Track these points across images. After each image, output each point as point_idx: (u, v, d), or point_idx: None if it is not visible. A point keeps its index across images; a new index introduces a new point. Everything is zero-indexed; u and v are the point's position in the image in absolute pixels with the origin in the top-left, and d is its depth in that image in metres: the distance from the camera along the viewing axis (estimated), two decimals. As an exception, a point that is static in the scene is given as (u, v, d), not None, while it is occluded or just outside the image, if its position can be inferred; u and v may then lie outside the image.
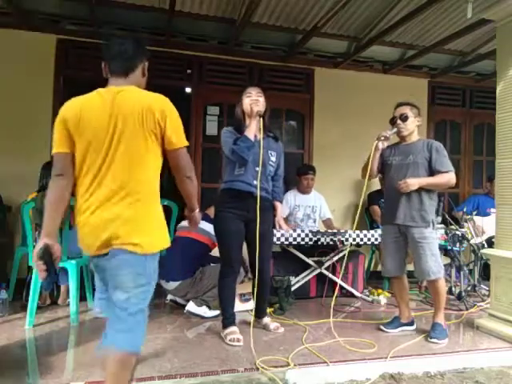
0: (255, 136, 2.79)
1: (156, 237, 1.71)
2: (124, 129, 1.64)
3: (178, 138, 1.72)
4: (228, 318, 2.81)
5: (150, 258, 1.67)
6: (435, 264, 2.82)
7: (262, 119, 2.80)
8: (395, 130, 2.89)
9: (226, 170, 2.88)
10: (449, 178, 2.83)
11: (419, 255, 2.83)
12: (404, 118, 2.90)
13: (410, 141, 2.96)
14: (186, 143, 1.76)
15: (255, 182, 2.74)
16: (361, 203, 2.96)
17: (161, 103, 1.72)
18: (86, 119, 1.67)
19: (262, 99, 2.85)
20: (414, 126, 2.95)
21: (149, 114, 1.65)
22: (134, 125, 1.64)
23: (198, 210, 2.02)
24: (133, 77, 1.77)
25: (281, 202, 3.09)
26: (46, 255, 1.62)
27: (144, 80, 1.85)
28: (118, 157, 1.64)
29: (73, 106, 1.73)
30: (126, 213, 1.63)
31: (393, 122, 2.96)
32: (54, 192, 1.71)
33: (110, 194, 1.63)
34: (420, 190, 2.83)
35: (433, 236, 2.87)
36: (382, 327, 3.00)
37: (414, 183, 2.77)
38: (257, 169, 2.76)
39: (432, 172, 2.85)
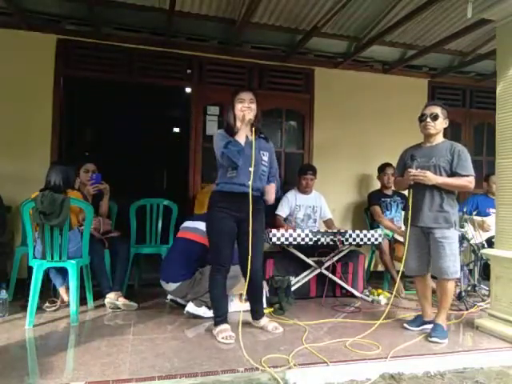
0: (246, 137, 2.81)
1: None
2: None
3: None
4: (220, 317, 2.81)
5: None
6: (454, 264, 2.85)
7: (253, 126, 2.81)
8: (415, 164, 2.90)
9: (218, 172, 2.89)
10: (467, 181, 2.87)
11: (439, 254, 2.86)
12: (434, 117, 2.93)
13: (434, 142, 2.99)
14: None
15: (249, 183, 2.76)
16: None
17: None
18: None
19: (254, 106, 2.85)
20: (441, 127, 2.98)
21: None
22: None
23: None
24: None
25: (273, 183, 2.98)
26: None
27: None
28: None
29: None
30: None
31: (422, 119, 2.98)
32: None
33: None
34: (441, 191, 2.88)
35: (454, 237, 2.90)
36: (405, 325, 3.06)
37: (431, 178, 2.82)
38: (250, 169, 2.77)
39: (452, 175, 2.89)
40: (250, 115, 2.79)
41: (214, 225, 2.83)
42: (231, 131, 2.85)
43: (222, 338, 2.68)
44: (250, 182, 2.73)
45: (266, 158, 2.90)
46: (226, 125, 2.92)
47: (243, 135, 2.80)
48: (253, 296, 3.00)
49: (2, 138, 4.09)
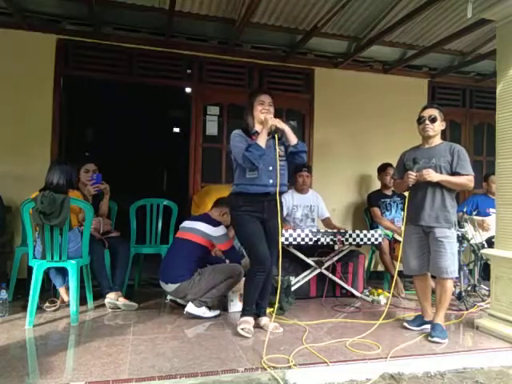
0: (267, 140, 2.84)
1: None
2: None
3: None
4: (248, 310, 2.90)
5: None
6: (453, 263, 2.88)
7: (275, 132, 2.84)
8: (417, 166, 2.95)
9: (235, 173, 2.91)
10: (467, 180, 2.92)
11: (438, 253, 2.88)
12: (433, 120, 2.97)
13: (433, 144, 3.02)
14: None
15: (271, 181, 2.81)
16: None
17: None
18: None
19: (272, 109, 2.91)
20: (439, 129, 3.02)
21: None
22: None
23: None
24: None
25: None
26: None
27: None
28: None
29: None
30: None
31: (420, 121, 3.02)
32: None
33: None
34: (443, 190, 2.92)
35: (454, 236, 2.94)
36: (405, 324, 3.07)
37: (435, 175, 2.87)
38: (270, 168, 2.82)
39: (453, 175, 2.93)
40: (274, 121, 2.82)
41: (243, 228, 2.86)
42: (249, 132, 2.90)
43: (242, 329, 2.77)
44: (277, 181, 2.78)
45: (282, 153, 2.93)
46: (245, 125, 2.94)
47: (264, 139, 2.82)
48: (266, 291, 3.01)
49: (2, 137, 4.09)
